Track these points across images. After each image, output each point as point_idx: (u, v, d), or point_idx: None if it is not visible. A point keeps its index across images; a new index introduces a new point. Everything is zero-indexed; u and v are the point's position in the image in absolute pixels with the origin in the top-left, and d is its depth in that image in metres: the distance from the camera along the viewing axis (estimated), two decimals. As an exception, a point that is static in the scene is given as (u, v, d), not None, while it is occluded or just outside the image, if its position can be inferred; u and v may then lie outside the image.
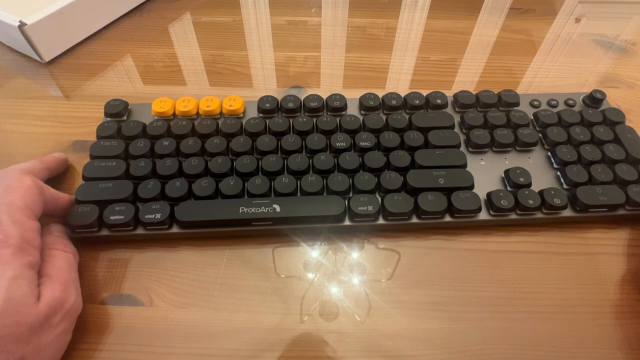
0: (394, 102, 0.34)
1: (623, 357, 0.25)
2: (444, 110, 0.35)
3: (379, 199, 0.29)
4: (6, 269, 0.21)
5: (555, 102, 0.36)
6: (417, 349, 0.25)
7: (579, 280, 0.28)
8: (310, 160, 0.31)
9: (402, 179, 0.30)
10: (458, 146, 0.32)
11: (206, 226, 0.28)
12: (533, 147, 0.33)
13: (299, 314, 0.26)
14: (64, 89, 0.40)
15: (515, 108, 0.35)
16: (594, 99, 0.35)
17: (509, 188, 0.30)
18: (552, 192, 0.29)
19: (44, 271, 0.24)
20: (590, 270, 0.28)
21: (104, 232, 0.28)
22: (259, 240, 0.29)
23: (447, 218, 0.29)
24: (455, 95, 0.35)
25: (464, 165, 0.31)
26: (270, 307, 0.26)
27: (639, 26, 0.48)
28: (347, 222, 0.29)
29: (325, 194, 0.29)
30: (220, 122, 0.33)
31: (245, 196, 0.29)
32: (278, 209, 0.28)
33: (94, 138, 0.32)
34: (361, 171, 0.30)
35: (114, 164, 0.30)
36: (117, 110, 0.34)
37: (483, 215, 0.29)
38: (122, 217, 0.27)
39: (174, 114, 0.35)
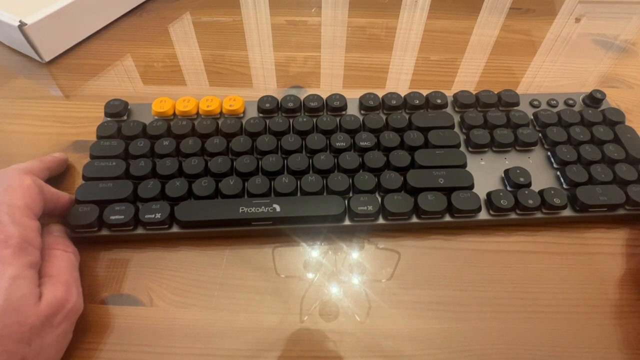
0: (394, 102, 0.34)
1: (623, 357, 0.25)
2: (444, 110, 0.35)
3: (379, 199, 0.29)
4: (6, 269, 0.21)
5: (555, 102, 0.36)
6: (417, 349, 0.25)
7: (578, 280, 0.28)
8: (310, 160, 0.31)
9: (402, 178, 0.30)
10: (458, 146, 0.32)
11: (206, 226, 0.28)
12: (533, 147, 0.33)
13: (299, 314, 0.26)
14: (64, 89, 0.40)
15: (515, 108, 0.35)
16: (594, 99, 0.35)
17: (508, 188, 0.30)
18: (552, 192, 0.29)
19: (45, 271, 0.24)
20: (590, 270, 0.28)
21: (104, 232, 0.28)
22: (259, 240, 0.29)
23: (447, 218, 0.29)
24: (455, 95, 0.35)
25: (464, 165, 0.31)
26: (270, 307, 0.26)
27: (639, 26, 0.48)
28: (347, 222, 0.29)
29: (325, 193, 0.29)
30: (220, 122, 0.33)
31: (245, 196, 0.29)
32: (278, 208, 0.28)
33: (94, 138, 0.32)
34: (361, 171, 0.30)
35: (114, 163, 0.30)
36: (117, 110, 0.34)
37: (483, 215, 0.29)
38: (122, 217, 0.27)
39: (174, 114, 0.35)
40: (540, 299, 0.27)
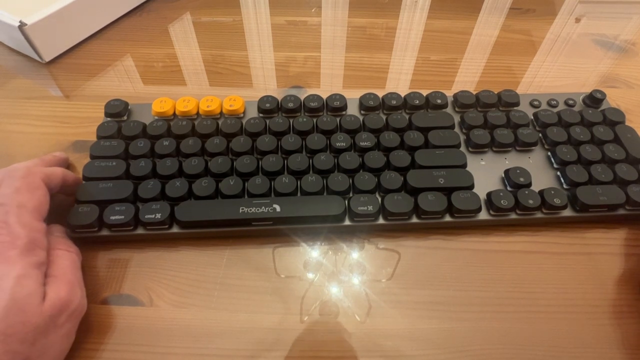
0: (394, 102, 0.34)
1: (623, 357, 0.25)
2: (444, 110, 0.35)
3: (379, 199, 0.29)
4: (12, 268, 0.21)
5: (555, 102, 0.36)
6: (417, 349, 0.25)
7: (579, 280, 0.28)
8: (310, 160, 0.31)
9: (402, 179, 0.30)
10: (458, 146, 0.32)
11: (206, 226, 0.28)
12: (533, 147, 0.33)
13: (299, 314, 0.26)
14: (64, 89, 0.40)
15: (515, 108, 0.35)
16: (594, 99, 0.35)
17: (509, 188, 0.30)
18: (552, 192, 0.29)
19: (49, 271, 0.24)
20: (590, 270, 0.28)
21: (104, 232, 0.28)
22: (259, 240, 0.29)
23: (447, 218, 0.29)
24: (455, 95, 0.35)
25: (464, 165, 0.31)
26: (270, 307, 0.26)
27: (639, 26, 0.48)
28: (347, 222, 0.29)
29: (325, 194, 0.29)
30: (220, 122, 0.33)
31: (245, 196, 0.29)
32: (278, 209, 0.28)
33: (94, 138, 0.32)
34: (361, 171, 0.30)
35: (114, 164, 0.30)
36: (117, 110, 0.34)
37: (483, 215, 0.29)
38: (122, 217, 0.27)
39: (174, 114, 0.35)
40: (540, 299, 0.27)
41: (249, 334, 0.25)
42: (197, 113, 0.35)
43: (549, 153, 0.32)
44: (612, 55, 0.44)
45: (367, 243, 0.29)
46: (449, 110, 0.35)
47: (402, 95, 0.35)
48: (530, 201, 0.29)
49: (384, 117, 0.34)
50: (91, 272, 0.28)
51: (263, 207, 0.28)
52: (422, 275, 0.28)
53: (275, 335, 0.25)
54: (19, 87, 0.40)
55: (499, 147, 0.32)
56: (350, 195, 0.29)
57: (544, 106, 0.36)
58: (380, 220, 0.29)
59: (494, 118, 0.33)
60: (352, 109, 0.35)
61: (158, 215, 0.27)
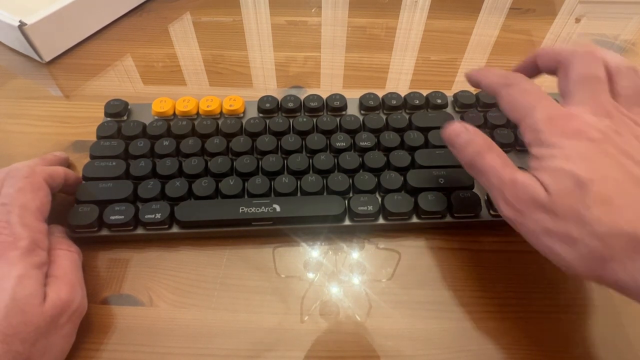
0: (394, 102, 0.34)
1: (623, 356, 0.25)
2: (444, 110, 0.35)
3: (379, 199, 0.29)
4: (13, 269, 0.21)
5: (555, 102, 0.36)
6: (417, 349, 0.25)
7: (579, 280, 0.28)
8: (310, 160, 0.31)
9: (402, 178, 0.30)
10: (458, 146, 0.32)
11: (206, 226, 0.28)
12: (533, 147, 0.33)
13: (299, 314, 0.26)
14: (64, 89, 0.40)
15: (515, 108, 0.35)
16: (594, 99, 0.35)
17: (509, 188, 0.30)
18: (552, 192, 0.29)
19: (50, 271, 0.24)
20: (590, 270, 0.28)
21: (104, 232, 0.28)
22: (259, 240, 0.29)
23: (447, 218, 0.29)
24: (455, 95, 0.35)
25: (464, 165, 0.31)
26: (270, 307, 0.26)
27: (639, 26, 0.48)
28: (347, 222, 0.29)
29: (325, 194, 0.29)
30: (220, 122, 0.33)
31: (245, 196, 0.29)
32: (278, 209, 0.28)
33: (94, 138, 0.32)
34: (361, 171, 0.30)
35: (114, 164, 0.30)
36: (117, 110, 0.34)
37: (483, 215, 0.29)
38: (122, 217, 0.27)
39: (174, 114, 0.35)
40: (541, 298, 0.27)
41: (249, 334, 0.25)
42: (197, 113, 0.35)
43: (549, 153, 0.32)
44: (612, 55, 0.44)
45: (367, 243, 0.29)
46: (449, 110, 0.35)
47: (402, 95, 0.35)
48: (530, 201, 0.29)
49: (384, 117, 0.34)
50: (91, 272, 0.28)
51: (263, 207, 0.28)
52: (422, 275, 0.28)
53: (275, 335, 0.25)
54: (19, 87, 0.40)
55: (505, 148, 0.32)
56: (350, 195, 0.29)
57: (544, 106, 0.36)
58: (380, 220, 0.29)
59: (494, 118, 0.33)
60: (352, 109, 0.35)
61: (158, 215, 0.27)
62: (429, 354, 0.25)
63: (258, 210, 0.28)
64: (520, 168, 0.22)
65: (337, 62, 0.43)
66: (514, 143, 0.33)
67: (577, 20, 0.49)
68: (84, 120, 0.37)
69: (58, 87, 0.40)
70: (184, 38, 0.45)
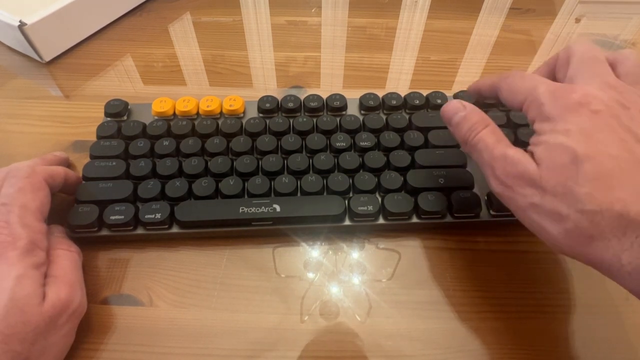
0: (394, 102, 0.34)
1: (623, 356, 0.25)
2: (444, 110, 0.35)
3: (379, 199, 0.29)
4: (11, 269, 0.21)
5: (555, 102, 0.36)
6: (417, 349, 0.25)
7: (579, 280, 0.28)
8: (310, 160, 0.31)
9: (402, 178, 0.30)
10: (458, 146, 0.32)
11: (206, 226, 0.28)
12: (533, 147, 0.33)
13: (299, 314, 0.26)
14: (64, 89, 0.40)
15: (515, 108, 0.35)
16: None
17: (509, 188, 0.30)
18: (552, 192, 0.29)
19: (50, 271, 0.24)
20: (591, 269, 0.28)
21: (104, 232, 0.28)
22: (259, 240, 0.29)
23: (447, 218, 0.29)
24: (455, 95, 0.35)
25: (464, 165, 0.31)
26: (270, 307, 0.26)
27: (639, 26, 0.48)
28: (347, 222, 0.29)
29: (325, 194, 0.29)
30: (220, 122, 0.33)
31: (245, 196, 0.29)
32: (278, 208, 0.28)
33: (94, 138, 0.32)
34: (361, 171, 0.30)
35: (114, 164, 0.30)
36: (117, 110, 0.34)
37: (483, 215, 0.29)
38: (122, 217, 0.27)
39: (174, 114, 0.35)
40: (541, 298, 0.27)
41: (249, 334, 0.25)
42: (197, 113, 0.35)
43: (549, 153, 0.32)
44: (612, 55, 0.44)
45: (367, 243, 0.29)
46: (449, 110, 0.35)
47: (402, 95, 0.35)
48: (530, 201, 0.29)
49: (384, 117, 0.34)
50: (91, 272, 0.28)
51: (263, 207, 0.28)
52: (422, 275, 0.28)
53: (275, 335, 0.25)
54: (19, 87, 0.40)
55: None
56: (350, 195, 0.29)
57: (544, 106, 0.36)
58: (380, 220, 0.29)
59: (494, 118, 0.33)
60: (352, 109, 0.35)
61: (158, 215, 0.27)
62: (429, 354, 0.25)
63: (258, 210, 0.28)
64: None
65: (337, 62, 0.43)
66: (514, 143, 0.32)
67: (577, 20, 0.49)
68: (84, 120, 0.37)
69: (58, 87, 0.40)
70: (184, 38, 0.45)
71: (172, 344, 0.25)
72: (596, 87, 0.21)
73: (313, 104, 0.34)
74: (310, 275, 0.28)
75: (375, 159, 0.31)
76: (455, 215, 0.29)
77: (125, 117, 0.35)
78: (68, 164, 0.33)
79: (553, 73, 0.25)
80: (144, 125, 0.33)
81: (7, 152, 0.34)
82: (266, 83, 0.41)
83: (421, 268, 0.28)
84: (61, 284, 0.23)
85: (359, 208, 0.28)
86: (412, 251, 0.29)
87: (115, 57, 0.43)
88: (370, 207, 0.28)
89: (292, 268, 0.28)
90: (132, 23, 0.47)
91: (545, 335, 0.25)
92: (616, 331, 0.26)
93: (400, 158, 0.31)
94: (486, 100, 0.29)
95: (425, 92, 0.35)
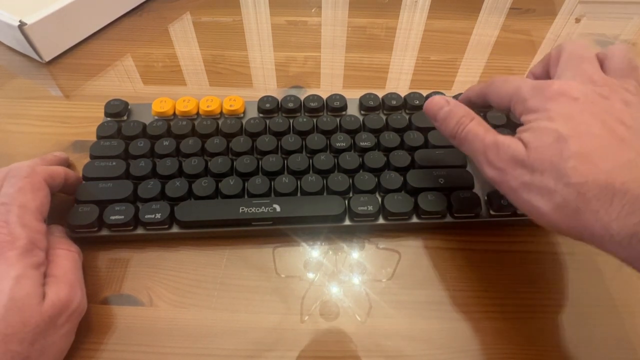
0: (394, 102, 0.34)
1: (623, 356, 0.25)
2: (444, 110, 0.35)
3: (379, 199, 0.29)
4: (11, 269, 0.21)
5: (555, 102, 0.36)
6: (417, 349, 0.25)
7: (579, 280, 0.28)
8: (310, 160, 0.31)
9: (402, 179, 0.30)
10: (458, 146, 0.32)
11: (206, 226, 0.28)
12: (533, 147, 0.33)
13: (299, 314, 0.26)
14: (64, 89, 0.40)
15: (515, 108, 0.35)
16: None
17: (509, 188, 0.30)
18: (552, 192, 0.29)
19: (50, 271, 0.24)
20: (591, 269, 0.28)
21: (104, 232, 0.28)
22: (259, 240, 0.29)
23: (447, 218, 0.29)
24: (455, 96, 0.35)
25: (464, 165, 0.31)
26: (270, 307, 0.26)
27: (639, 26, 0.48)
28: (347, 222, 0.29)
29: (325, 194, 0.29)
30: (220, 122, 0.33)
31: (245, 196, 0.29)
32: (278, 209, 0.28)
33: (94, 138, 0.32)
34: (361, 171, 0.30)
35: (114, 164, 0.30)
36: (117, 110, 0.34)
37: (483, 215, 0.29)
38: (122, 217, 0.27)
39: (174, 114, 0.35)
40: (541, 298, 0.27)
41: (249, 334, 0.25)
42: (197, 113, 0.35)
43: (549, 153, 0.32)
44: (612, 55, 0.44)
45: (367, 243, 0.29)
46: (449, 110, 0.35)
47: (402, 95, 0.35)
48: (531, 201, 0.29)
49: (384, 117, 0.34)
50: (91, 272, 0.28)
51: (263, 207, 0.28)
52: (422, 275, 0.28)
53: (275, 335, 0.25)
54: (19, 87, 0.40)
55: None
56: (350, 195, 0.29)
57: (544, 106, 0.36)
58: (380, 220, 0.29)
59: (494, 118, 0.33)
60: (352, 109, 0.35)
61: (158, 215, 0.27)
62: (429, 354, 0.25)
63: (258, 210, 0.28)
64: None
65: (337, 62, 0.43)
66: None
67: (577, 20, 0.49)
68: (84, 120, 0.37)
69: (58, 87, 0.40)
70: (184, 38, 0.45)
71: (172, 344, 0.25)
72: (577, 82, 0.22)
73: (313, 104, 0.34)
74: (310, 275, 0.28)
75: (375, 159, 0.31)
76: (455, 215, 0.29)
77: (125, 117, 0.35)
78: (68, 164, 0.33)
79: (547, 70, 0.26)
80: (144, 125, 0.33)
81: (7, 152, 0.34)
82: (266, 83, 0.41)
83: (421, 268, 0.28)
84: (61, 284, 0.23)
85: (359, 208, 0.28)
86: (412, 251, 0.29)
87: (115, 57, 0.43)
88: (370, 207, 0.28)
89: (292, 268, 0.28)
90: (132, 23, 0.47)
91: (546, 335, 0.25)
92: (616, 331, 0.26)
93: (400, 158, 0.31)
94: (477, 109, 0.29)
95: (425, 92, 0.35)
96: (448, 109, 0.25)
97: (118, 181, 0.29)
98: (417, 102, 0.35)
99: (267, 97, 0.35)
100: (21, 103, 0.38)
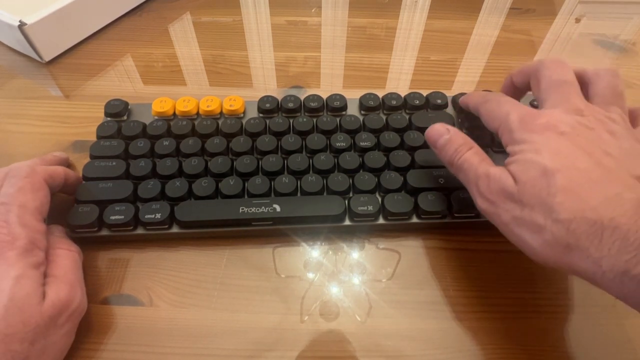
0: (394, 102, 0.34)
1: (623, 356, 0.25)
2: (444, 110, 0.35)
3: (379, 199, 0.29)
4: (10, 269, 0.21)
5: (555, 102, 0.36)
6: (417, 349, 0.25)
7: (578, 280, 0.28)
8: (310, 160, 0.31)
9: (402, 178, 0.30)
10: (458, 146, 0.32)
11: (206, 226, 0.28)
12: (533, 147, 0.33)
13: (299, 314, 0.26)
14: (64, 89, 0.40)
15: (515, 108, 0.35)
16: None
17: (509, 188, 0.30)
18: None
19: (50, 271, 0.24)
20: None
21: (104, 232, 0.28)
22: (259, 240, 0.29)
23: (447, 218, 0.29)
24: (455, 96, 0.35)
25: (464, 165, 0.31)
26: (270, 307, 0.27)
27: (639, 26, 0.48)
28: (347, 222, 0.29)
29: (325, 194, 0.29)
30: (220, 122, 0.33)
31: (245, 196, 0.29)
32: (278, 209, 0.28)
33: (94, 138, 0.32)
34: (361, 171, 0.30)
35: (114, 164, 0.30)
36: (117, 110, 0.34)
37: (483, 215, 0.29)
38: (122, 217, 0.27)
39: (174, 114, 0.35)
40: (541, 298, 0.27)
41: (249, 334, 0.25)
42: (197, 113, 0.35)
43: (549, 153, 0.32)
44: (612, 55, 0.44)
45: (367, 243, 0.29)
46: (449, 110, 0.35)
47: (402, 95, 0.35)
48: (530, 201, 0.29)
49: (384, 117, 0.34)
50: (91, 272, 0.28)
51: (263, 207, 0.28)
52: (422, 275, 0.28)
53: (275, 335, 0.25)
54: (19, 87, 0.40)
55: (499, 147, 0.32)
56: (350, 195, 0.29)
57: (544, 106, 0.36)
58: (380, 220, 0.29)
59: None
60: (352, 109, 0.35)
61: (158, 215, 0.27)
62: (429, 354, 0.25)
63: (258, 210, 0.28)
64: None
65: (337, 62, 0.43)
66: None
67: (577, 20, 0.49)
68: (84, 120, 0.37)
69: (58, 87, 0.40)
70: (184, 38, 0.45)
71: (172, 344, 0.25)
72: (562, 111, 0.22)
73: (313, 104, 0.34)
74: (310, 275, 0.28)
75: (375, 159, 0.31)
76: (455, 215, 0.29)
77: (125, 117, 0.35)
78: (68, 164, 0.33)
79: (528, 82, 0.27)
80: (144, 125, 0.33)
81: (7, 152, 0.34)
82: (266, 83, 0.41)
83: (421, 268, 0.28)
84: (61, 284, 0.23)
85: (359, 208, 0.28)
86: (412, 251, 0.29)
87: (115, 57, 0.43)
88: (370, 207, 0.28)
89: (292, 268, 0.28)
90: (132, 23, 0.47)
91: (545, 336, 0.25)
92: (615, 331, 0.26)
93: (400, 158, 0.31)
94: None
95: (425, 92, 0.35)
96: (447, 137, 0.25)
97: (118, 181, 0.29)
98: (417, 102, 0.35)
99: (267, 97, 0.35)
100: (21, 103, 0.38)
